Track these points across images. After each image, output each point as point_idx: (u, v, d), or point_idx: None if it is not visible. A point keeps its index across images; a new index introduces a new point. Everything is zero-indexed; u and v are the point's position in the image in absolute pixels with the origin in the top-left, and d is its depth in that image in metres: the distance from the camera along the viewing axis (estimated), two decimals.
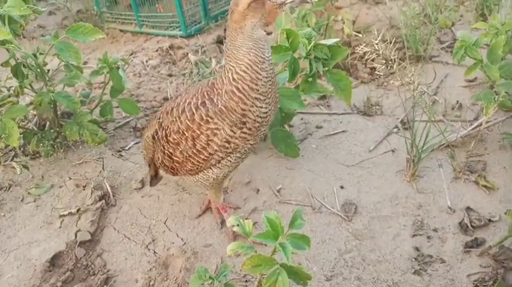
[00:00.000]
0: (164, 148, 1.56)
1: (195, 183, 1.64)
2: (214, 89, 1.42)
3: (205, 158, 1.48)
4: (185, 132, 1.46)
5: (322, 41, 1.80)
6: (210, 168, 1.54)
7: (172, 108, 1.53)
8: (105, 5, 3.75)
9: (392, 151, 2.13)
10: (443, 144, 2.05)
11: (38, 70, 2.01)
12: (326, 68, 1.83)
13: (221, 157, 1.48)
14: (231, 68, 1.37)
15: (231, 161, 1.52)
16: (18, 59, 2.02)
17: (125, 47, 3.51)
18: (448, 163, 2.01)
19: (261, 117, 1.42)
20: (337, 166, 2.07)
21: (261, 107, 1.40)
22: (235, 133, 1.41)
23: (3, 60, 2.40)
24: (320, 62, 1.80)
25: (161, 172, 1.76)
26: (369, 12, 3.70)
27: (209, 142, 1.43)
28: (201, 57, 3.07)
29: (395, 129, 2.29)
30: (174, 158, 1.55)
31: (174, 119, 1.49)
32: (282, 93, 1.87)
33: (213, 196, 1.78)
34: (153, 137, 1.64)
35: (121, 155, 2.25)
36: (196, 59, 3.06)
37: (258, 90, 1.37)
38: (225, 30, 3.61)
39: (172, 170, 1.62)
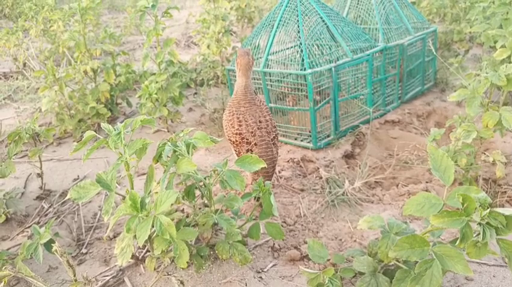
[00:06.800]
0: None
1: None
2: None
3: None
4: None
5: (499, 209, 1.73)
6: None
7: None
8: None
9: None
10: None
11: (206, 192, 2.23)
12: (499, 237, 1.74)
13: None
14: None
15: None
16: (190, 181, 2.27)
17: None
18: None
19: None
20: None
21: None
22: None
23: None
24: (493, 230, 1.73)
25: None
26: (506, 140, 3.55)
27: None
28: (332, 175, 3.15)
29: None
30: None
31: None
32: (444, 253, 1.80)
33: None
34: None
35: (261, 278, 2.30)
36: (328, 175, 3.15)
37: None
38: (351, 144, 3.71)
39: None
